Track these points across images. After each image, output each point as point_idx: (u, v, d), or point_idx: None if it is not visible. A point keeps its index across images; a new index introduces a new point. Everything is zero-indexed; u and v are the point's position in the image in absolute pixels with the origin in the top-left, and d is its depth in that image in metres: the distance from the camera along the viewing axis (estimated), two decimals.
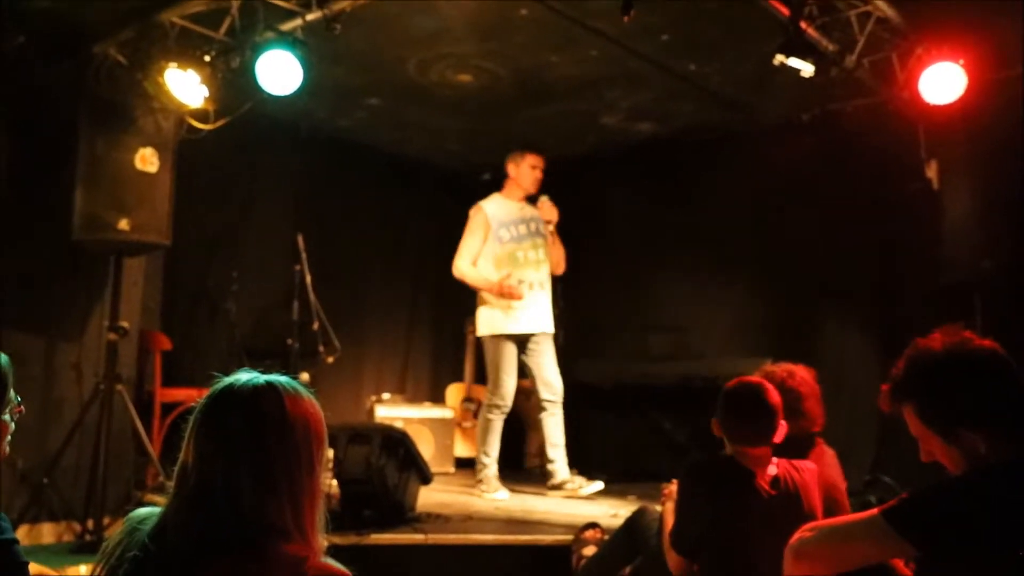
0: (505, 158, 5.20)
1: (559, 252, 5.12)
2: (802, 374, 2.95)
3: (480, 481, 4.99)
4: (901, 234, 4.97)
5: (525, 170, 5.07)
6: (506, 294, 4.85)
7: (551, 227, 5.04)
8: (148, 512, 1.43)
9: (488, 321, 4.97)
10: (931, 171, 4.54)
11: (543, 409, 4.97)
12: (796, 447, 2.71)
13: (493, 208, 5.06)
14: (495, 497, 4.87)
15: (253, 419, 1.39)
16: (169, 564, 1.33)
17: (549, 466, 4.98)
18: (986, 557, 1.67)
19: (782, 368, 2.95)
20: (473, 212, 5.09)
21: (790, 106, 5.42)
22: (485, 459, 4.98)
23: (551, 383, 4.97)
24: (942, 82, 4.10)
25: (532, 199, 5.13)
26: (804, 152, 5.34)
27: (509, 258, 4.98)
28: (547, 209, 5.03)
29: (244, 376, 1.44)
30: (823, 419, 2.98)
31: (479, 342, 5.12)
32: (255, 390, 1.41)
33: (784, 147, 5.50)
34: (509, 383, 4.93)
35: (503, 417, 4.99)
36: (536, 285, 5.00)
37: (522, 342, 4.98)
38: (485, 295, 4.99)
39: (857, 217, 5.21)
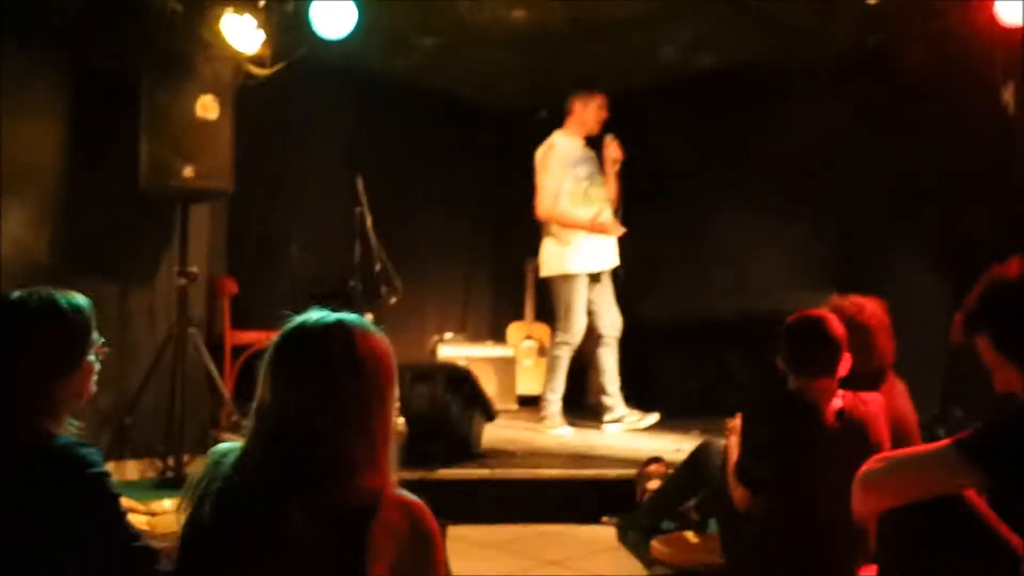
0: (562, 95, 5.16)
1: (616, 193, 5.13)
2: (872, 308, 2.90)
3: (544, 417, 5.06)
4: (974, 161, 4.79)
5: (592, 111, 5.07)
6: (600, 230, 4.88)
7: (616, 167, 5.01)
8: (230, 446, 1.49)
9: (557, 259, 4.99)
10: (1008, 95, 4.36)
11: (604, 345, 5.00)
12: (868, 381, 2.69)
13: (565, 146, 5.06)
14: (559, 433, 4.94)
15: (325, 356, 1.43)
16: (252, 495, 1.38)
17: (606, 400, 5.03)
18: None
19: (851, 302, 2.90)
20: (545, 151, 5.07)
21: (855, 33, 5.22)
22: (551, 395, 5.05)
23: (614, 319, 5.00)
24: (1020, 2, 3.92)
25: (593, 138, 5.07)
26: (870, 80, 5.16)
27: (584, 196, 5.00)
28: (613, 148, 5.00)
29: (315, 315, 1.47)
30: (894, 353, 2.93)
31: (544, 282, 5.16)
32: (326, 328, 1.45)
33: (849, 76, 5.32)
34: (581, 321, 4.97)
35: (571, 355, 5.02)
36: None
37: (591, 279, 5.00)
38: (554, 233, 4.99)
39: (927, 145, 5.03)
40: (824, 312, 2.69)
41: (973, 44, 4.39)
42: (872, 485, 1.88)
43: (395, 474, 1.48)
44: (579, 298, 4.94)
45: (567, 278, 4.95)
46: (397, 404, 1.53)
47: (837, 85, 5.35)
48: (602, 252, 5.01)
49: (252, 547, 1.35)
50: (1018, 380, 1.81)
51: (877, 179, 5.25)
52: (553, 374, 5.05)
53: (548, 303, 6.77)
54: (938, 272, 4.95)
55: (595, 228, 4.91)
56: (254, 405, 1.47)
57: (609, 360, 5.02)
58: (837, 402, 2.60)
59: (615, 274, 5.10)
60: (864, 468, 1.91)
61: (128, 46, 4.26)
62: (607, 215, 5.02)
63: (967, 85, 4.59)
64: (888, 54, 5.19)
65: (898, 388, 2.94)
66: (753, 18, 5.06)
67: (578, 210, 4.96)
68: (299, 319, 1.48)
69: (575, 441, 4.83)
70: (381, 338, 1.49)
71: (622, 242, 5.18)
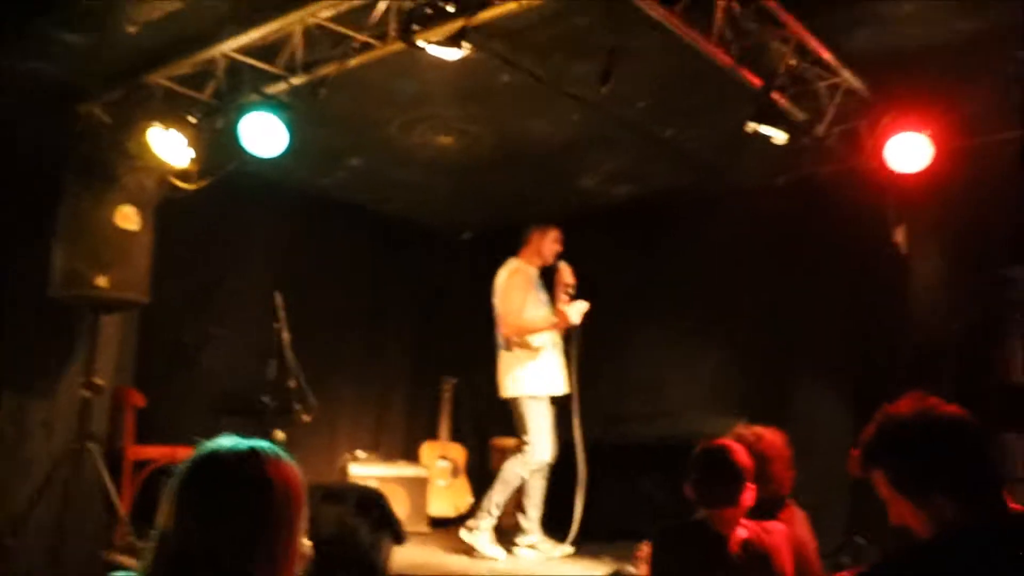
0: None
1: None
2: (770, 437, 3.00)
3: (472, 529, 4.94)
4: (872, 297, 5.06)
5: (548, 243, 5.23)
6: (564, 321, 4.96)
7: (570, 291, 5.11)
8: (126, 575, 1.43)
9: (524, 381, 5.01)
10: (900, 236, 4.64)
11: (541, 471, 4.98)
12: (766, 510, 2.74)
13: (526, 270, 5.21)
14: (491, 554, 4.85)
15: (236, 485, 1.41)
16: None
17: (524, 523, 4.96)
18: None
19: (751, 432, 3.00)
20: (509, 273, 5.20)
21: (764, 171, 5.54)
22: (494, 511, 4.94)
23: (552, 446, 5.01)
24: (908, 151, 4.22)
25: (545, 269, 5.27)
26: (777, 216, 5.44)
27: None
28: (567, 274, 5.11)
29: (227, 442, 1.45)
30: (791, 482, 3.02)
31: (505, 402, 5.10)
32: (238, 456, 1.43)
33: (758, 210, 5.61)
34: (550, 441, 4.94)
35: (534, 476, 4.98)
36: (559, 347, 5.13)
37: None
38: (517, 354, 5.04)
39: (829, 280, 5.30)
40: (729, 442, 2.76)
41: (870, 187, 4.69)
42: None
43: None
44: (547, 419, 4.97)
45: (535, 400, 4.98)
46: (305, 526, 1.50)
47: (746, 218, 5.64)
48: (559, 377, 5.09)
49: None
50: (911, 514, 1.87)
51: (785, 310, 5.48)
52: (505, 490, 4.93)
53: (465, 422, 6.77)
54: (841, 401, 5.12)
55: (560, 321, 4.97)
56: (155, 534, 1.42)
57: (538, 485, 5.00)
58: (742, 532, 2.64)
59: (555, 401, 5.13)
60: None
61: (50, 152, 4.23)
62: (547, 340, 5.07)
63: (867, 225, 4.87)
64: (794, 191, 5.51)
65: (798, 516, 3.02)
66: (667, 152, 5.33)
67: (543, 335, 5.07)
68: (211, 445, 1.46)
69: (484, 568, 4.72)
70: (292, 466, 1.48)
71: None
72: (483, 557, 4.80)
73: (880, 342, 5.00)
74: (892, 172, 4.32)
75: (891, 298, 4.73)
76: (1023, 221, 4.29)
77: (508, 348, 5.13)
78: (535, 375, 5.01)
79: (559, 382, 5.08)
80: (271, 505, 1.41)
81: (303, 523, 1.48)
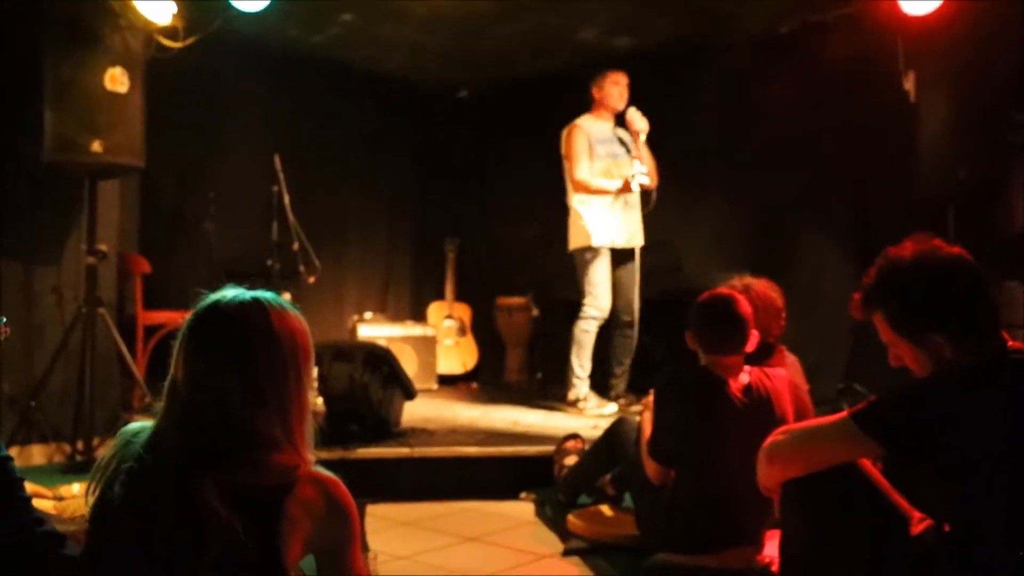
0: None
1: (651, 163, 5.11)
2: (759, 288, 3.04)
3: (575, 400, 5.04)
4: (878, 147, 4.99)
5: (609, 89, 5.11)
6: (625, 188, 4.95)
7: (642, 137, 5.04)
8: (141, 426, 1.47)
9: (581, 233, 5.04)
10: (909, 83, 4.53)
11: (617, 327, 5.04)
12: (755, 356, 2.80)
13: (590, 126, 5.12)
14: (606, 411, 4.91)
15: (240, 334, 1.42)
16: (165, 474, 1.37)
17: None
18: (947, 454, 1.75)
19: (741, 282, 3.05)
20: (571, 130, 5.12)
21: (769, 19, 5.36)
22: (581, 373, 5.04)
23: (629, 303, 5.04)
24: None
25: (620, 117, 5.16)
26: (783, 65, 5.30)
27: (605, 174, 5.05)
28: (637, 120, 5.02)
29: (230, 293, 1.46)
30: (780, 330, 3.10)
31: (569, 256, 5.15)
32: (241, 306, 1.44)
33: (763, 61, 5.46)
34: (606, 294, 5.01)
35: (597, 329, 5.04)
36: (630, 201, 5.09)
37: (614, 256, 5.07)
38: (576, 210, 5.06)
39: (835, 130, 5.21)
40: (732, 291, 2.79)
41: (877, 33, 4.55)
42: (776, 457, 1.96)
43: (312, 452, 1.49)
44: (601, 271, 5.00)
45: (590, 251, 5.00)
46: (316, 383, 1.53)
47: (750, 69, 5.49)
48: (626, 231, 5.06)
49: (164, 527, 1.34)
50: (910, 355, 1.91)
51: (789, 162, 5.41)
52: (580, 350, 5.03)
53: (470, 282, 6.83)
54: (845, 253, 5.14)
55: (623, 188, 4.97)
56: (166, 383, 1.45)
57: (621, 346, 5.06)
58: (744, 377, 2.70)
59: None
60: (768, 440, 1.99)
61: (30, 13, 4.07)
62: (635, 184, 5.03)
63: (875, 72, 4.76)
64: (799, 41, 5.35)
65: (790, 360, 3.11)
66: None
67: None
68: (214, 296, 1.47)
69: (496, 417, 4.88)
70: (297, 315, 1.49)
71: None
72: (602, 416, 4.79)
73: (885, 192, 4.97)
74: (902, 15, 4.18)
75: (898, 148, 4.66)
76: None
77: (569, 204, 5.13)
78: (590, 228, 5.00)
79: (623, 235, 5.05)
80: (276, 352, 1.42)
81: (311, 375, 1.50)
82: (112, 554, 1.38)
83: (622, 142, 5.13)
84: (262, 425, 1.40)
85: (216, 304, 1.44)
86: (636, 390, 5.06)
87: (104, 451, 1.49)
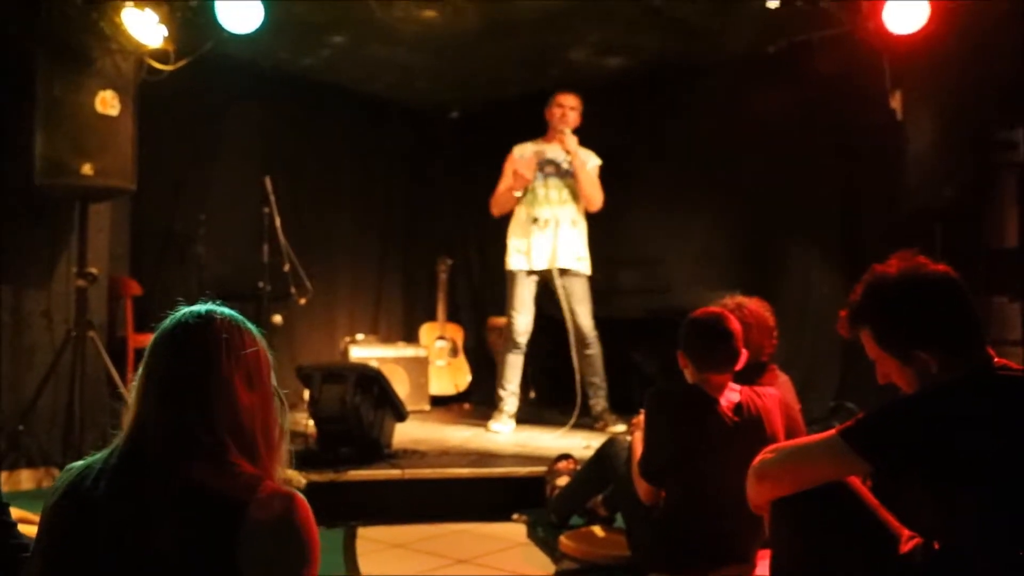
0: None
1: (586, 188, 5.09)
2: (751, 306, 3.05)
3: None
4: (866, 165, 5.03)
5: (552, 110, 5.15)
6: (518, 177, 5.01)
7: (570, 159, 5.05)
8: (83, 464, 1.47)
9: (508, 256, 5.13)
10: (895, 101, 4.56)
11: (575, 348, 5.06)
12: (746, 375, 2.80)
13: (520, 150, 5.20)
14: (495, 429, 5.04)
15: (183, 353, 1.43)
16: (139, 470, 1.39)
17: (590, 401, 5.09)
18: (935, 470, 1.75)
19: (733, 301, 3.05)
20: (510, 154, 5.24)
21: (757, 38, 5.41)
22: (501, 392, 5.13)
23: (578, 327, 5.05)
24: (905, 12, 4.12)
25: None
26: (770, 84, 5.35)
27: (529, 195, 5.11)
28: (565, 141, 5.04)
29: (187, 309, 1.47)
30: (772, 348, 3.10)
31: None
32: (197, 317, 1.45)
33: (751, 79, 5.51)
34: (517, 320, 5.05)
35: (519, 353, 5.10)
36: (552, 222, 5.07)
37: (543, 280, 5.09)
38: (510, 231, 5.14)
39: (823, 148, 5.25)
40: (722, 309, 2.80)
41: (864, 52, 4.59)
42: (766, 475, 1.96)
43: (280, 468, 1.47)
44: (516, 297, 5.06)
45: (511, 274, 5.10)
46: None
47: (738, 88, 5.53)
48: (549, 253, 5.04)
49: (118, 520, 1.35)
50: (897, 372, 1.91)
51: (777, 180, 5.44)
52: (501, 369, 5.16)
53: (462, 302, 6.85)
54: (833, 270, 5.16)
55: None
56: (132, 396, 1.46)
57: (581, 364, 5.07)
58: (734, 395, 2.70)
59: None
60: (758, 459, 1.99)
61: (23, 36, 4.09)
62: (537, 214, 5.06)
63: (862, 91, 4.79)
64: (786, 60, 5.39)
65: (782, 380, 3.11)
66: (658, 18, 5.18)
67: (525, 208, 5.11)
68: (168, 320, 1.47)
69: (485, 439, 4.86)
70: (250, 329, 1.49)
71: None
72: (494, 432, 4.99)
73: (873, 209, 5.00)
74: (888, 35, 4.22)
75: (886, 165, 4.70)
76: (1018, 84, 4.22)
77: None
78: (512, 250, 5.11)
79: (545, 257, 5.06)
80: (225, 361, 1.41)
81: (270, 387, 1.48)
82: (68, 550, 1.37)
83: (557, 165, 5.14)
84: (219, 433, 1.39)
85: (174, 318, 1.45)
86: (625, 410, 5.05)
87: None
